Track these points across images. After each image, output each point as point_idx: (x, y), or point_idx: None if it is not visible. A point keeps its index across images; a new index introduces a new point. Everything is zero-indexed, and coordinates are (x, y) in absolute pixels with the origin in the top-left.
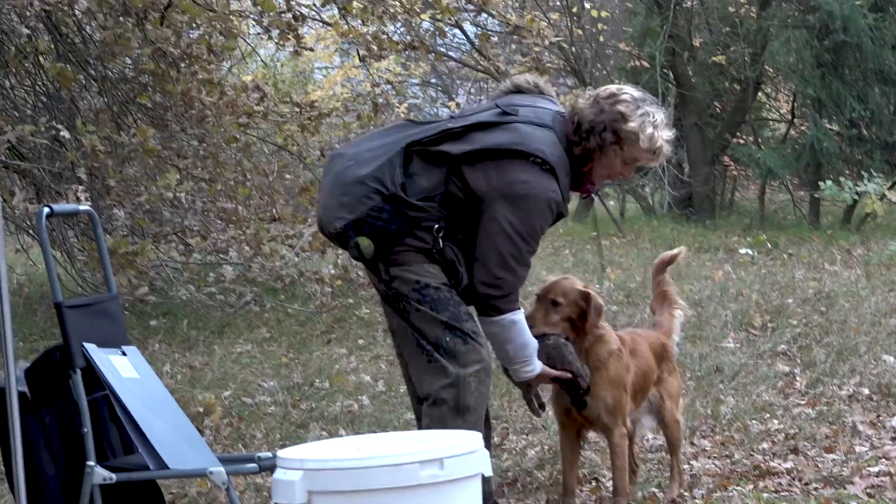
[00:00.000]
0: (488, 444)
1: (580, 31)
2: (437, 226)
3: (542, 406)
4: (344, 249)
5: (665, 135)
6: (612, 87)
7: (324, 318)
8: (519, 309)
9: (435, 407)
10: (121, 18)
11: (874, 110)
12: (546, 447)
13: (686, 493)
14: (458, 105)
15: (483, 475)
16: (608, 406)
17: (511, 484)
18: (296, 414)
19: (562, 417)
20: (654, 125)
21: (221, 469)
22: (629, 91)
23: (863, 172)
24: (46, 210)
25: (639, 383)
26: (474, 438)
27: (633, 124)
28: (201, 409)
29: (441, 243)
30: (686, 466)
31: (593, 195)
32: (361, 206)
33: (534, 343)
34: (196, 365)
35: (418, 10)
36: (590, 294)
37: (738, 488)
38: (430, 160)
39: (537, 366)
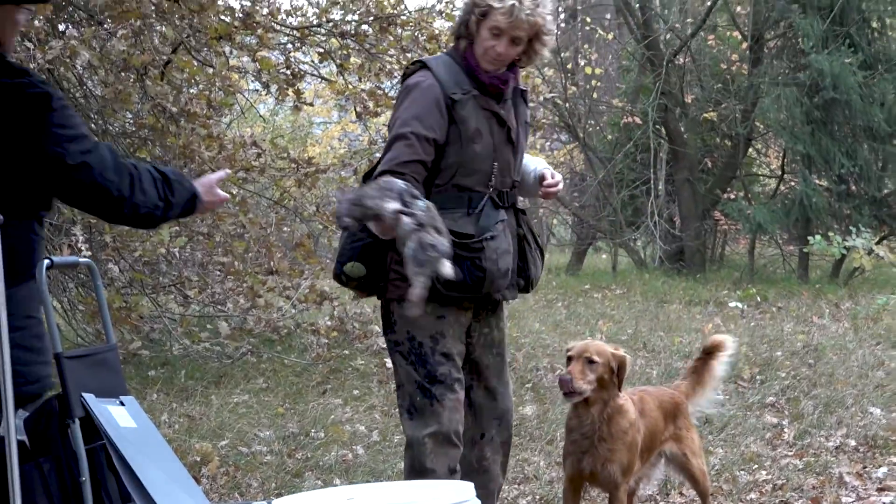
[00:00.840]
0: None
1: (574, 88)
2: None
3: None
4: (346, 288)
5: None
6: None
7: (319, 369)
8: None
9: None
10: (121, 74)
11: (862, 166)
12: (537, 496)
13: None
14: None
15: None
16: (623, 469)
17: None
18: (291, 463)
19: (573, 473)
20: None
21: None
22: None
23: (851, 227)
24: (47, 262)
25: (646, 442)
26: (467, 488)
27: None
28: (198, 459)
29: None
30: None
31: (510, 77)
32: (343, 241)
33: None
34: (193, 415)
35: None
36: (625, 357)
37: None
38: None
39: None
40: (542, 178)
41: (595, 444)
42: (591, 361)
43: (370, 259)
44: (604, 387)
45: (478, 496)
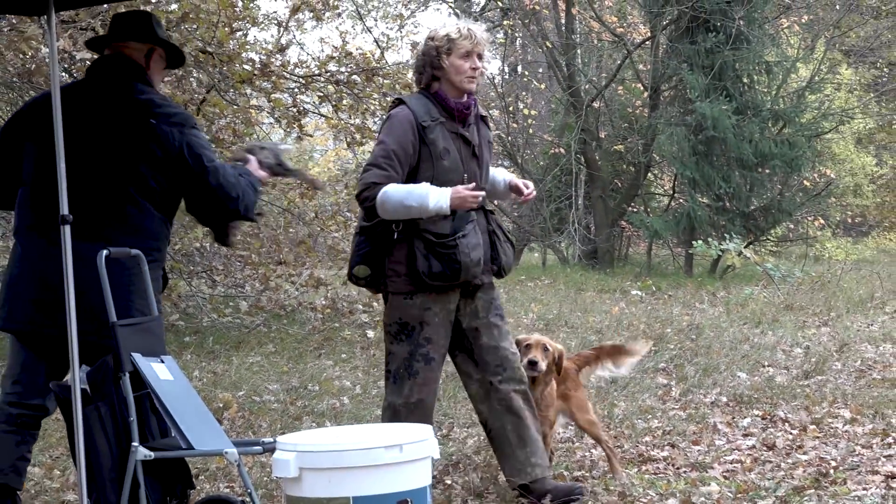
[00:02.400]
0: None
1: (515, 125)
2: (393, 225)
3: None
4: (358, 286)
5: (470, 23)
6: None
7: (316, 338)
8: (382, 187)
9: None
10: None
11: (735, 188)
12: (482, 438)
13: (586, 474)
14: None
15: (433, 457)
16: (550, 424)
17: (454, 465)
18: (293, 410)
19: None
20: (456, 23)
21: (234, 450)
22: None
23: (725, 235)
24: (105, 252)
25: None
26: (427, 430)
27: (440, 33)
28: (221, 405)
29: (397, 233)
30: (587, 454)
31: (472, 103)
32: (353, 249)
33: (419, 189)
34: (218, 371)
35: None
36: (562, 352)
37: (626, 471)
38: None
39: (440, 193)
40: (516, 187)
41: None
42: (545, 349)
43: (372, 262)
44: (549, 370)
45: (511, 430)
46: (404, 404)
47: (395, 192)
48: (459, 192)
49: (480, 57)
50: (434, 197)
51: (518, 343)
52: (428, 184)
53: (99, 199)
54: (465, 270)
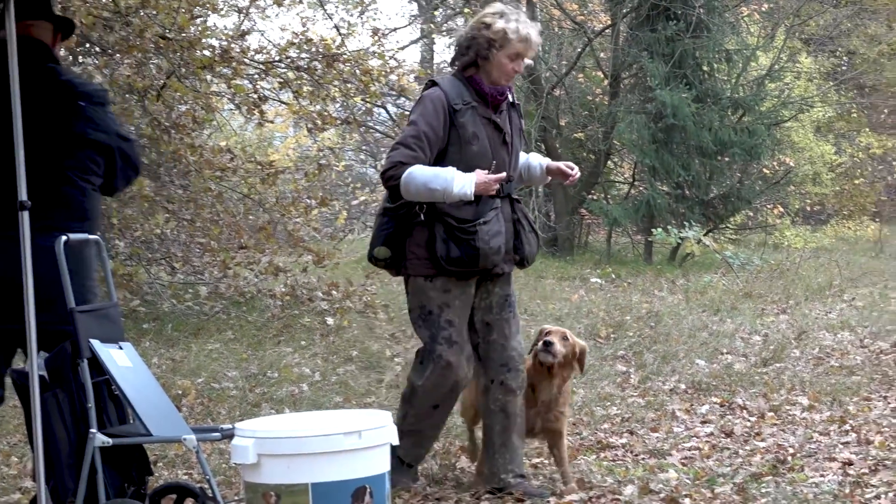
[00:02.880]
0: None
1: None
2: (418, 208)
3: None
4: (377, 267)
5: (528, 25)
6: (482, 11)
7: (275, 325)
8: (408, 167)
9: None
10: (126, 95)
11: (694, 176)
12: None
13: (546, 461)
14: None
15: (392, 444)
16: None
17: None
18: (252, 396)
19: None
20: (517, 21)
21: (193, 436)
22: (491, 7)
23: (685, 223)
24: (64, 238)
25: None
26: (385, 416)
27: (498, 25)
28: (180, 392)
29: (423, 215)
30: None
31: (507, 89)
32: (374, 230)
33: (445, 173)
34: (177, 358)
35: (352, 94)
36: (585, 348)
37: (585, 457)
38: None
39: (465, 179)
40: (558, 170)
41: (546, 411)
42: (565, 339)
43: (393, 244)
44: (567, 364)
45: (499, 431)
46: (423, 385)
47: (421, 174)
48: (484, 177)
49: (527, 59)
50: (459, 182)
51: (540, 332)
52: (454, 168)
53: (42, 186)
54: (484, 257)
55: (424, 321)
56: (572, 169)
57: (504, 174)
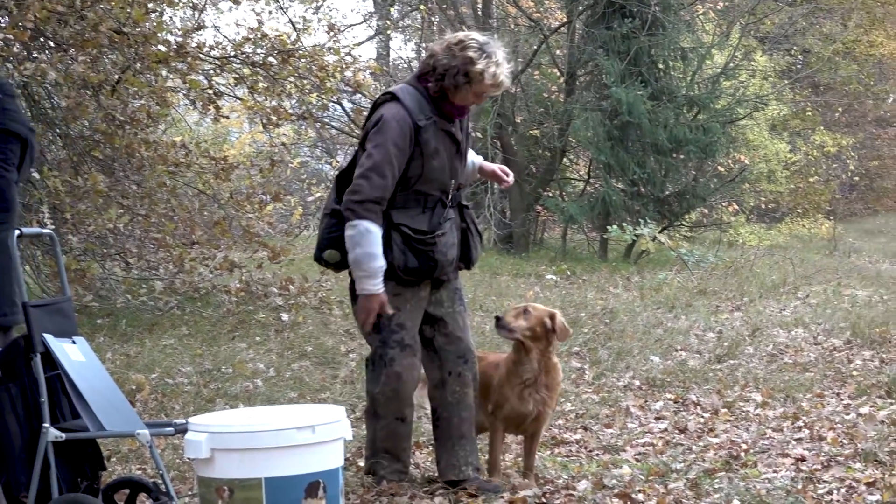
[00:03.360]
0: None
1: None
2: None
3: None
4: (326, 269)
5: (505, 70)
6: (461, 35)
7: (230, 321)
8: (375, 223)
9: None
10: (81, 90)
11: (650, 173)
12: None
13: (502, 458)
14: (338, 162)
15: (345, 439)
16: (552, 414)
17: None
18: (206, 392)
19: (510, 414)
20: (497, 64)
21: (146, 431)
22: (475, 37)
23: (640, 220)
24: (17, 232)
25: None
26: (339, 411)
27: (479, 66)
28: (134, 387)
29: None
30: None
31: (460, 116)
32: (321, 231)
33: (381, 264)
34: (131, 353)
35: (308, 90)
36: (555, 314)
37: (540, 453)
38: (349, 172)
39: (380, 287)
40: (493, 174)
41: (537, 391)
42: (526, 311)
43: (342, 246)
44: (537, 338)
45: (456, 424)
46: (381, 392)
47: (369, 245)
48: (371, 310)
49: (484, 92)
50: (372, 283)
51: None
52: (384, 265)
53: None
54: (441, 268)
55: (374, 326)
56: (507, 175)
57: (386, 310)
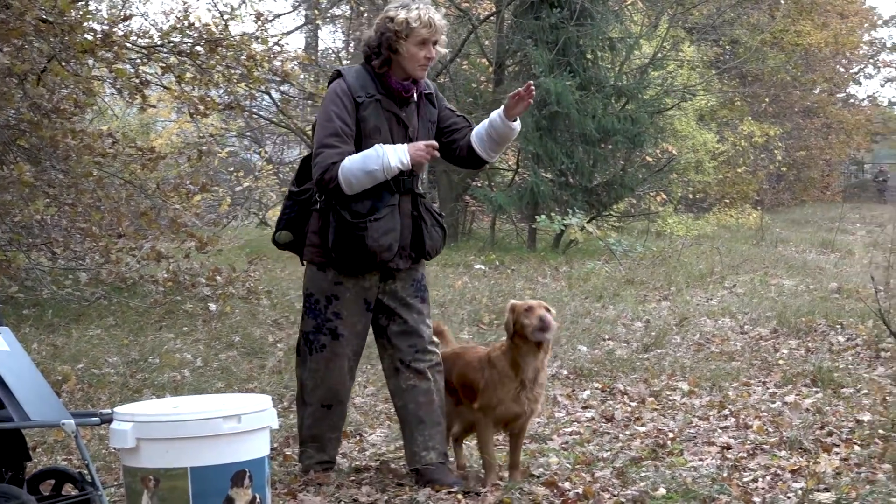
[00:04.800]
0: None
1: None
2: (318, 195)
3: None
4: (281, 250)
5: (431, 9)
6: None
7: (157, 311)
8: (339, 165)
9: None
10: (6, 79)
11: (578, 164)
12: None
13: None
14: (266, 151)
15: (272, 428)
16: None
17: (295, 437)
18: (133, 382)
19: (506, 415)
20: (418, 8)
21: (72, 421)
22: (393, 3)
23: (568, 210)
24: None
25: None
26: (265, 400)
27: (401, 16)
28: (60, 377)
29: (320, 203)
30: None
31: (406, 93)
32: (280, 213)
33: (371, 152)
34: (57, 344)
35: (236, 80)
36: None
37: (467, 442)
38: (308, 163)
39: (397, 150)
40: (512, 100)
41: (532, 389)
42: (548, 310)
43: (295, 228)
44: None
45: (413, 410)
46: (310, 377)
47: (354, 164)
48: (419, 147)
49: (436, 44)
50: (393, 155)
51: (514, 309)
52: (379, 144)
53: None
54: (373, 254)
55: (311, 310)
56: (528, 90)
57: (434, 142)
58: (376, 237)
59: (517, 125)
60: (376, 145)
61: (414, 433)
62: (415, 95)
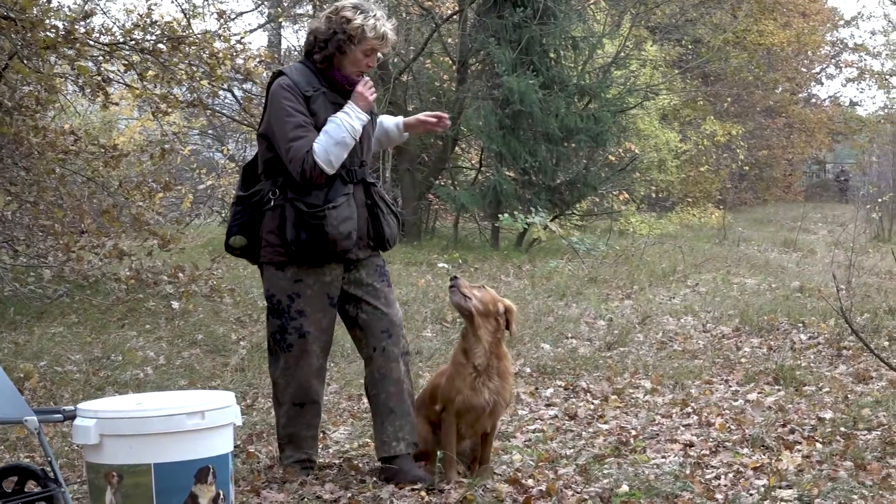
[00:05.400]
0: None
1: None
2: (270, 193)
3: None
4: (234, 256)
5: (385, 23)
6: (336, 3)
7: (120, 309)
8: (311, 150)
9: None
10: None
11: (541, 162)
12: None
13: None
14: (228, 150)
15: (235, 424)
16: (508, 405)
17: (258, 435)
18: (95, 380)
19: (465, 406)
20: (376, 18)
21: (34, 418)
22: (349, 1)
23: (531, 208)
24: None
25: None
26: (228, 396)
27: (357, 21)
28: (22, 375)
29: (275, 199)
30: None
31: (349, 86)
32: (230, 220)
33: (330, 125)
34: (19, 342)
35: (198, 78)
36: (512, 307)
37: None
38: (250, 169)
39: (349, 112)
40: (417, 122)
41: (489, 378)
42: (482, 287)
43: (248, 232)
44: (487, 315)
45: (384, 400)
46: (281, 376)
47: (323, 144)
48: (361, 93)
49: (380, 54)
50: (352, 119)
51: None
52: (332, 115)
53: None
54: (333, 242)
55: (274, 311)
56: (440, 117)
57: (368, 79)
58: (335, 224)
59: (406, 136)
60: (331, 117)
61: (385, 423)
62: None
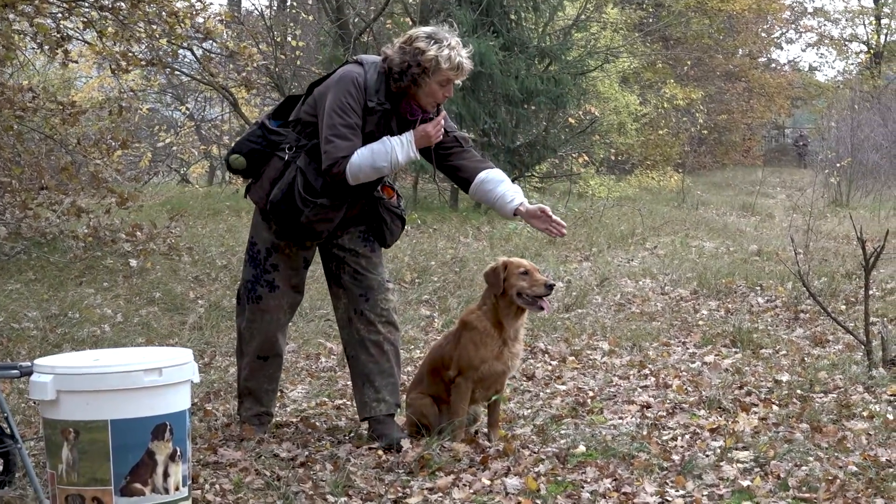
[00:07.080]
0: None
1: (282, 56)
2: (287, 147)
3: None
4: (232, 173)
5: (462, 52)
6: (410, 32)
7: (77, 266)
8: (348, 157)
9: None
10: None
11: (501, 124)
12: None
13: (348, 402)
14: (188, 108)
15: (193, 381)
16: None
17: (216, 393)
18: (52, 337)
19: (488, 374)
20: (450, 48)
21: None
22: (422, 29)
23: None
24: None
25: None
26: (186, 354)
27: (431, 53)
28: None
29: (287, 158)
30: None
31: (411, 117)
32: (244, 136)
33: (379, 146)
34: None
35: (157, 36)
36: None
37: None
38: (292, 102)
39: (404, 144)
40: (532, 214)
41: (512, 347)
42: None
43: (253, 162)
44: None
45: (364, 361)
46: (247, 328)
47: (363, 160)
48: (427, 133)
49: (457, 84)
50: (401, 151)
51: (506, 266)
52: (387, 137)
53: None
54: (301, 231)
55: (252, 258)
56: (560, 225)
57: (443, 121)
58: (312, 218)
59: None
60: (385, 138)
61: (364, 385)
62: (419, 120)
